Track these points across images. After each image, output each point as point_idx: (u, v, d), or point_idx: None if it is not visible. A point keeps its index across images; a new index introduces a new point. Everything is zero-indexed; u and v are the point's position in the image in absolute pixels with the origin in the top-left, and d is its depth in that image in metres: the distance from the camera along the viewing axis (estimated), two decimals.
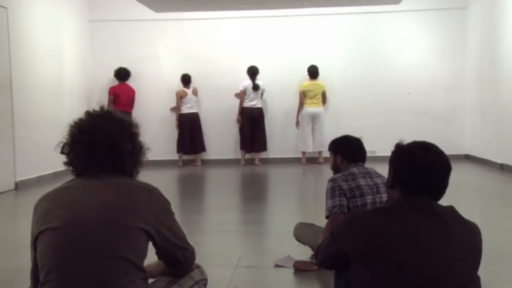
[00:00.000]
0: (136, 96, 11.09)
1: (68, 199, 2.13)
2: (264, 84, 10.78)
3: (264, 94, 10.93)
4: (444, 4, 11.01)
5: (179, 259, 2.29)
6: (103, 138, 2.17)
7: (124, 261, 2.03)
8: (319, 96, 10.76)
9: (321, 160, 10.67)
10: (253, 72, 10.71)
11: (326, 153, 10.44)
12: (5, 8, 8.05)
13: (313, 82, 10.78)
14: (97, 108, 2.29)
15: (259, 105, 10.80)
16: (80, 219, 2.06)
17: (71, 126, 2.24)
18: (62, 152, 2.25)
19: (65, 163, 2.26)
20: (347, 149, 3.78)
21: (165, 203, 2.22)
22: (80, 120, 2.25)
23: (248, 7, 10.47)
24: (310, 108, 10.76)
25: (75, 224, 2.05)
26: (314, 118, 10.77)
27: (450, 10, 11.01)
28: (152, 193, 2.18)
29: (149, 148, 2.35)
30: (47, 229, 2.07)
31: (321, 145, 10.68)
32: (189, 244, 2.32)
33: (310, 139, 10.81)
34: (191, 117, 10.84)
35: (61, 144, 2.25)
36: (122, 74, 10.93)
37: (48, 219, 2.09)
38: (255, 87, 10.68)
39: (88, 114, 2.26)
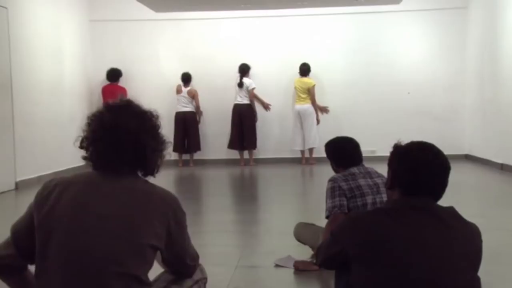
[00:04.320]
0: (136, 96, 11.03)
1: (82, 200, 2.02)
2: (252, 82, 10.79)
3: (259, 91, 10.93)
4: (444, 4, 11.01)
5: (182, 272, 2.28)
6: (126, 135, 2.06)
7: (129, 277, 1.97)
8: (306, 93, 10.77)
9: (312, 161, 10.73)
10: (242, 70, 10.84)
11: (317, 154, 10.60)
12: (5, 8, 8.05)
13: (301, 79, 10.81)
14: (116, 100, 2.17)
15: (245, 102, 10.81)
16: (90, 230, 1.97)
17: (92, 120, 2.11)
18: (81, 147, 2.15)
19: (84, 158, 2.15)
20: (337, 158, 3.78)
21: (182, 217, 2.15)
22: (101, 113, 2.11)
23: (248, 7, 10.48)
24: (297, 105, 10.84)
25: (84, 233, 1.97)
26: (301, 115, 10.81)
27: (450, 10, 11.00)
28: (170, 206, 2.10)
29: (170, 142, 2.26)
30: (54, 229, 1.98)
31: (309, 143, 10.74)
32: (196, 260, 2.29)
33: (297, 137, 10.87)
34: (182, 116, 10.82)
35: (80, 138, 2.15)
36: (110, 74, 10.99)
37: (55, 217, 1.99)
38: (239, 84, 10.77)
39: (109, 107, 2.13)
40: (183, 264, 2.22)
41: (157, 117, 2.19)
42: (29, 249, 2.05)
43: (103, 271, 1.93)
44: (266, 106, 11.15)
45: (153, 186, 2.13)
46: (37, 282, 2.02)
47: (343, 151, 3.77)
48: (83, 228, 1.97)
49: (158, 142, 2.15)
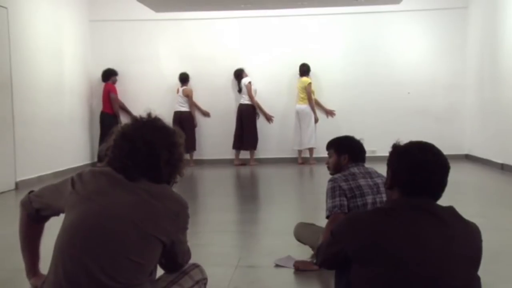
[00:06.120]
0: (136, 95, 11.05)
1: (105, 188, 2.22)
2: (247, 78, 10.85)
3: (259, 92, 10.96)
4: (444, 4, 11.01)
5: (168, 268, 2.41)
6: (142, 146, 2.24)
7: (136, 264, 2.12)
8: (304, 93, 10.79)
9: (312, 162, 10.75)
10: (236, 75, 11.04)
11: (317, 154, 10.59)
12: (6, 8, 8.05)
13: (300, 79, 10.87)
14: (144, 115, 2.36)
15: (245, 102, 10.89)
16: (107, 213, 2.15)
17: (117, 131, 2.32)
18: (105, 154, 2.36)
19: (107, 162, 2.33)
20: (354, 149, 3.77)
21: (188, 220, 2.32)
22: (126, 125, 2.34)
23: (248, 7, 10.48)
24: (296, 105, 10.92)
25: (101, 214, 2.15)
26: (299, 115, 10.87)
27: (450, 10, 11.01)
28: (182, 207, 2.28)
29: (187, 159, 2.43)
30: (78, 216, 2.16)
31: (304, 143, 10.80)
32: (186, 261, 2.44)
33: (295, 137, 10.96)
34: (179, 116, 10.83)
35: (105, 147, 2.36)
36: (102, 75, 10.99)
37: (82, 203, 2.18)
38: (239, 90, 11.00)
39: (133, 120, 2.35)
40: (174, 261, 2.36)
41: (180, 135, 2.37)
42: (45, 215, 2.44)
43: (115, 251, 2.10)
44: (268, 118, 11.21)
45: (168, 188, 2.32)
46: (55, 253, 2.19)
47: (355, 148, 3.78)
48: (101, 210, 2.15)
49: (173, 156, 2.29)
